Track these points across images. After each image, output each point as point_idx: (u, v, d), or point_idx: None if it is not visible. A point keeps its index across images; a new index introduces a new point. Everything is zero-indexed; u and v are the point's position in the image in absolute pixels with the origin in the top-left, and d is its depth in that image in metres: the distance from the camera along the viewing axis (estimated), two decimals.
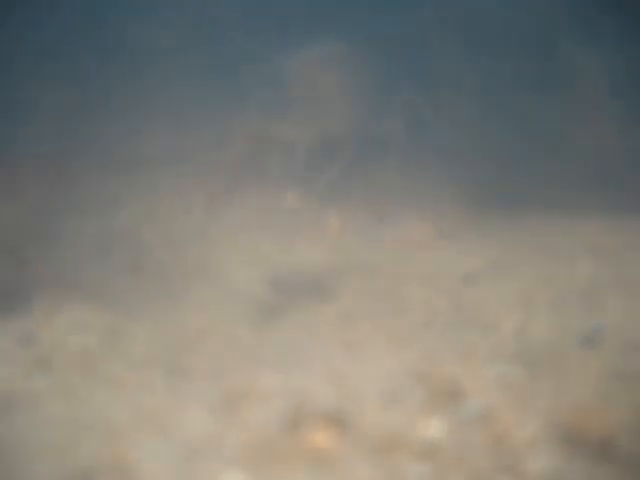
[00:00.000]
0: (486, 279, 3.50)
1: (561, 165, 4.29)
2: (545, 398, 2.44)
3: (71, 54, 4.96)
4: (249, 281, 3.61)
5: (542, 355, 2.83)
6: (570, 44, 4.32)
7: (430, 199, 4.21)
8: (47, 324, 3.03)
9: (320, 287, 3.51)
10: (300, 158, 4.27)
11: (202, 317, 3.31)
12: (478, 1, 4.50)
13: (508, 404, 2.35)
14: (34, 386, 2.65)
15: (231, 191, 4.31)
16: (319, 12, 4.52)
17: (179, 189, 4.41)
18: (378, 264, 3.69)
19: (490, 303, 3.29)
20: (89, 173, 4.44)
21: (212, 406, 2.39)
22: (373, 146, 4.26)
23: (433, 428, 2.23)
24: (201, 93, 4.85)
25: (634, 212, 3.97)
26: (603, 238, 3.76)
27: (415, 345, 2.96)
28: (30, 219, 4.03)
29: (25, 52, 4.87)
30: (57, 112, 4.70)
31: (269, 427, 2.22)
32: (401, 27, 4.53)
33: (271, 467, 2.07)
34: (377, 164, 4.27)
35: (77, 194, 4.27)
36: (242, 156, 4.33)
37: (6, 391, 2.61)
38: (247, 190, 4.33)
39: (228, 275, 3.68)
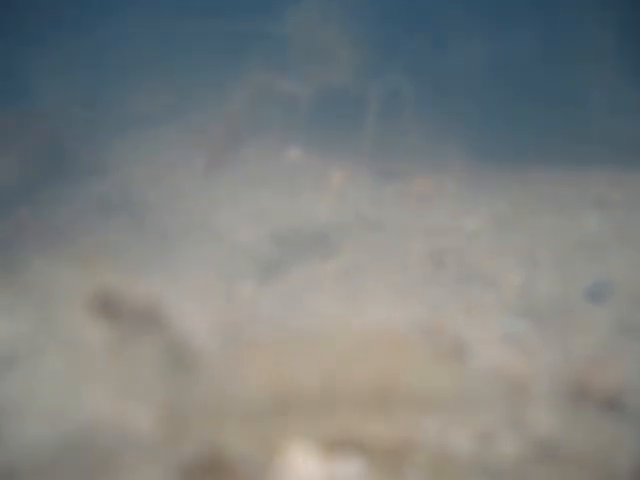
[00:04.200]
0: (490, 232, 3.48)
1: (565, 120, 4.26)
2: (551, 352, 2.42)
3: (71, 15, 4.94)
4: (251, 237, 3.59)
5: (548, 309, 2.82)
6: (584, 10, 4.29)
7: (434, 153, 4.19)
8: (48, 279, 3.01)
9: (323, 242, 3.49)
10: (302, 111, 4.23)
11: (204, 274, 3.30)
12: None
13: (514, 358, 2.34)
14: (37, 342, 2.63)
15: (232, 146, 4.28)
16: None
17: (179, 145, 4.38)
18: (381, 219, 3.66)
19: (494, 257, 3.27)
20: (88, 133, 4.42)
21: None
22: (375, 100, 4.21)
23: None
24: (200, 47, 4.81)
25: (638, 166, 3.95)
26: (608, 191, 3.74)
27: (419, 299, 2.94)
28: (30, 179, 4.01)
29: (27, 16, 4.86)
30: (57, 72, 4.68)
31: None
32: None
33: None
34: (379, 119, 4.23)
35: (76, 154, 4.25)
36: (242, 110, 4.29)
37: (8, 347, 2.60)
38: (248, 145, 4.30)
39: (229, 231, 3.66)
